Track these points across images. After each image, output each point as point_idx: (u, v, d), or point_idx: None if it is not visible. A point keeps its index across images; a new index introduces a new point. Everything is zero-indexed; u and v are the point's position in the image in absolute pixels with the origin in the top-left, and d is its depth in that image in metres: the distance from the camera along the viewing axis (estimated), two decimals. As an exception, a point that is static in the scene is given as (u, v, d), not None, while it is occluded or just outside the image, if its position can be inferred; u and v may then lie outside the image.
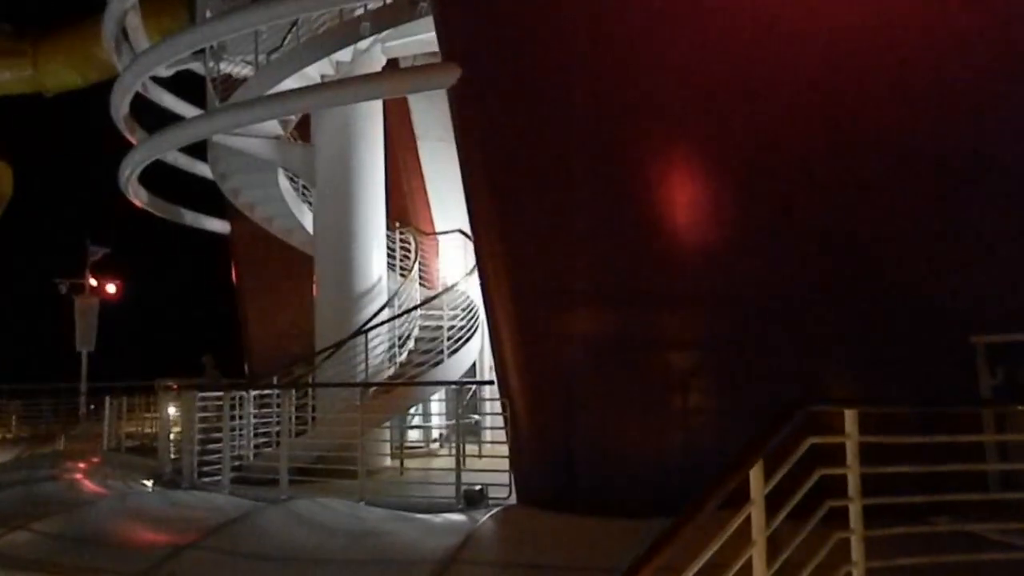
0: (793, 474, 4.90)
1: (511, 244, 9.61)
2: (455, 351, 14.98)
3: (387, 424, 13.98)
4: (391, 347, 14.78)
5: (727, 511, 4.69)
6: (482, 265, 10.30)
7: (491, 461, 11.27)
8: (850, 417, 5.24)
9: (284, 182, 15.94)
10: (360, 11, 12.71)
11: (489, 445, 14.07)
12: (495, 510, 9.27)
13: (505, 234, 9.66)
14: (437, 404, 17.55)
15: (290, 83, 13.14)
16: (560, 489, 8.88)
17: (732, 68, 8.01)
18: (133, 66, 14.49)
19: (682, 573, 4.54)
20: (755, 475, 4.79)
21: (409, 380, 14.27)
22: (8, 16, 22.37)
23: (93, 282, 33.16)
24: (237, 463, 12.14)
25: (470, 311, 15.65)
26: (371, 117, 14.77)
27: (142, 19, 16.23)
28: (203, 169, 17.82)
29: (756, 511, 4.81)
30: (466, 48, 9.61)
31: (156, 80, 16.79)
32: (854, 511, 5.15)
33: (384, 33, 13.26)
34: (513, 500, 9.76)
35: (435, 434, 17.21)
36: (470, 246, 16.92)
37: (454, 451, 10.55)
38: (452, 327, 15.24)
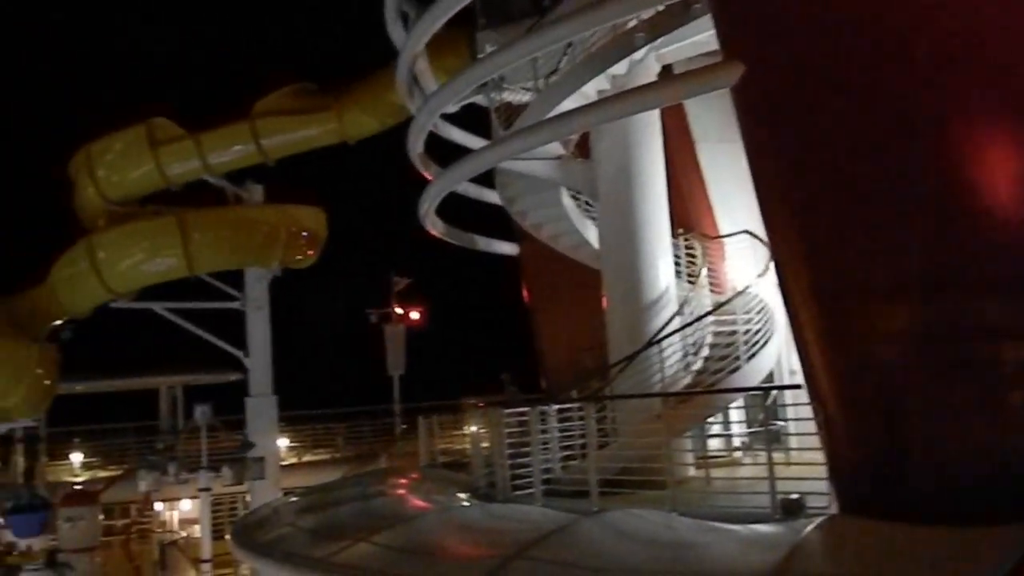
0: None
1: (810, 241, 9.17)
2: (752, 356, 14.52)
3: (688, 434, 13.81)
4: (685, 356, 14.60)
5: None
6: (779, 265, 9.90)
7: (802, 469, 10.77)
8: None
9: (567, 200, 16.32)
10: (633, 22, 12.73)
11: (796, 452, 13.45)
12: (817, 520, 8.84)
13: (803, 231, 9.23)
14: (736, 412, 17.07)
15: (569, 103, 13.43)
16: (889, 497, 8.29)
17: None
18: (426, 107, 15.49)
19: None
20: None
21: (709, 388, 14.00)
22: (311, 77, 24.85)
23: (399, 310, 35.86)
24: (546, 476, 12.47)
25: (765, 314, 15.12)
26: (649, 126, 14.75)
27: (429, 62, 17.33)
28: (491, 196, 18.68)
29: None
30: (749, 44, 9.32)
31: (443, 116, 17.82)
32: None
33: (658, 41, 13.21)
34: (834, 510, 9.25)
35: (736, 442, 16.74)
36: (759, 247, 16.42)
37: (758, 459, 10.18)
38: (747, 332, 14.79)
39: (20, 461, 31.08)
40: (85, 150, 24.55)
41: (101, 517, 28.15)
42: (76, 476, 33.06)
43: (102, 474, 32.57)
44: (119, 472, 30.84)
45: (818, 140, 8.81)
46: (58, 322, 24.88)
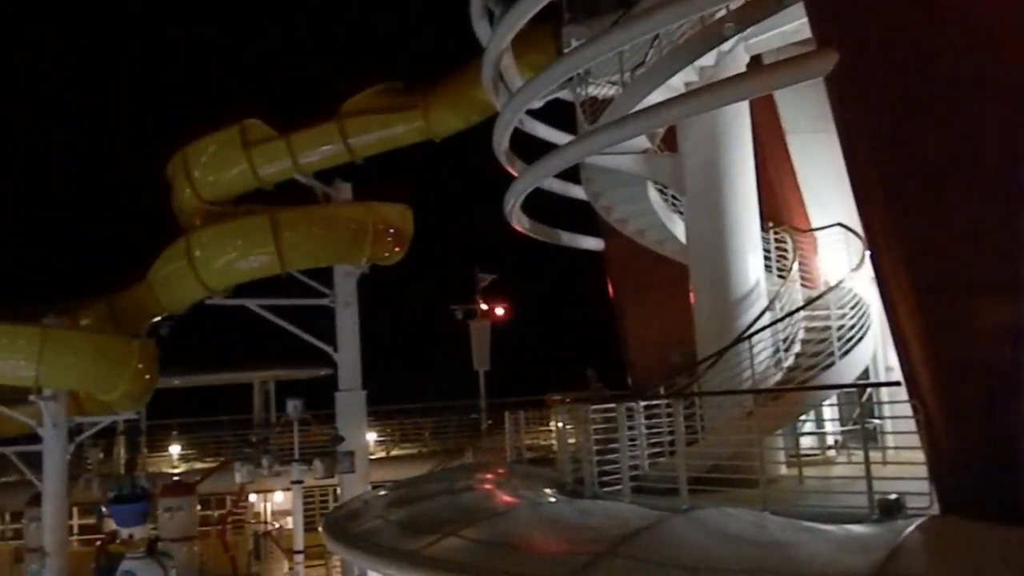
0: None
1: (910, 234, 8.88)
2: (847, 352, 14.16)
3: (779, 431, 13.53)
4: (776, 352, 14.32)
5: None
6: (877, 259, 9.62)
7: (900, 468, 10.45)
8: None
9: (654, 194, 16.17)
10: (722, 12, 12.52)
11: (893, 451, 13.06)
12: (918, 522, 8.56)
13: (902, 224, 8.94)
14: (829, 409, 16.68)
15: (655, 96, 13.29)
16: (995, 498, 7.98)
17: None
18: (511, 103, 15.53)
19: None
20: None
21: (801, 385, 13.70)
22: (397, 76, 25.15)
23: (484, 306, 36.08)
24: (634, 473, 12.39)
25: (860, 309, 14.72)
26: (737, 118, 14.51)
27: (514, 58, 17.35)
28: (577, 191, 18.62)
29: None
30: (845, 31, 9.07)
31: (528, 112, 17.83)
32: None
33: (747, 31, 12.96)
34: (935, 511, 8.95)
35: (830, 440, 16.34)
36: (853, 240, 16.00)
37: (853, 458, 9.90)
38: (841, 327, 14.42)
39: (122, 452, 32.40)
40: (182, 152, 25.33)
41: (198, 508, 29.16)
42: (174, 467, 34.27)
43: (199, 466, 33.71)
44: (215, 464, 31.84)
45: (917, 129, 8.53)
46: (157, 319, 25.79)
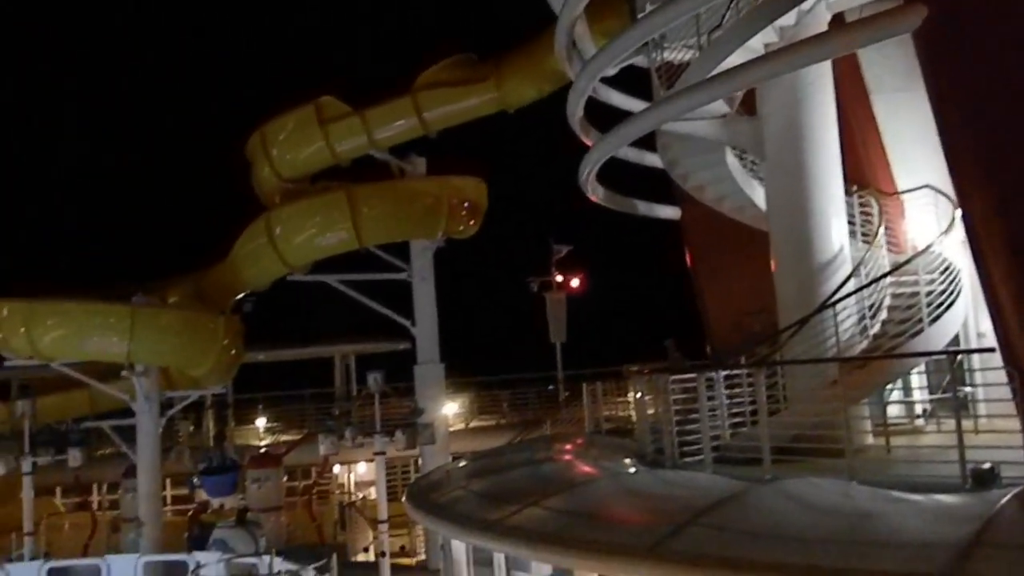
0: None
1: (1005, 195, 8.52)
2: (936, 318, 13.73)
3: (865, 400, 13.22)
4: (862, 319, 13.95)
5: None
6: (969, 221, 9.28)
7: (993, 437, 10.12)
8: None
9: (732, 160, 15.84)
10: (801, -30, 12.13)
11: (985, 420, 12.65)
12: (1014, 491, 8.27)
13: (996, 184, 8.58)
14: (917, 377, 16.21)
15: (734, 59, 12.95)
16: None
17: None
18: (585, 71, 15.35)
19: None
20: None
21: (888, 353, 13.34)
22: (470, 47, 25.10)
23: (559, 278, 36.05)
24: (715, 443, 12.26)
25: (950, 274, 14.24)
26: (820, 78, 14.05)
27: (587, 25, 17.13)
28: (652, 159, 18.37)
29: None
30: (933, -17, 8.69)
31: (602, 79, 17.61)
32: None
33: (828, -12, 12.56)
34: (1032, 480, 8.64)
35: (918, 409, 15.90)
36: (943, 202, 15.46)
37: (943, 427, 9.62)
38: (930, 293, 13.97)
39: (211, 426, 33.44)
40: (260, 131, 25.77)
41: (284, 479, 29.96)
42: (260, 440, 35.24)
43: (283, 438, 34.60)
44: (299, 437, 32.64)
45: (1013, 84, 8.14)
46: (241, 296, 26.43)
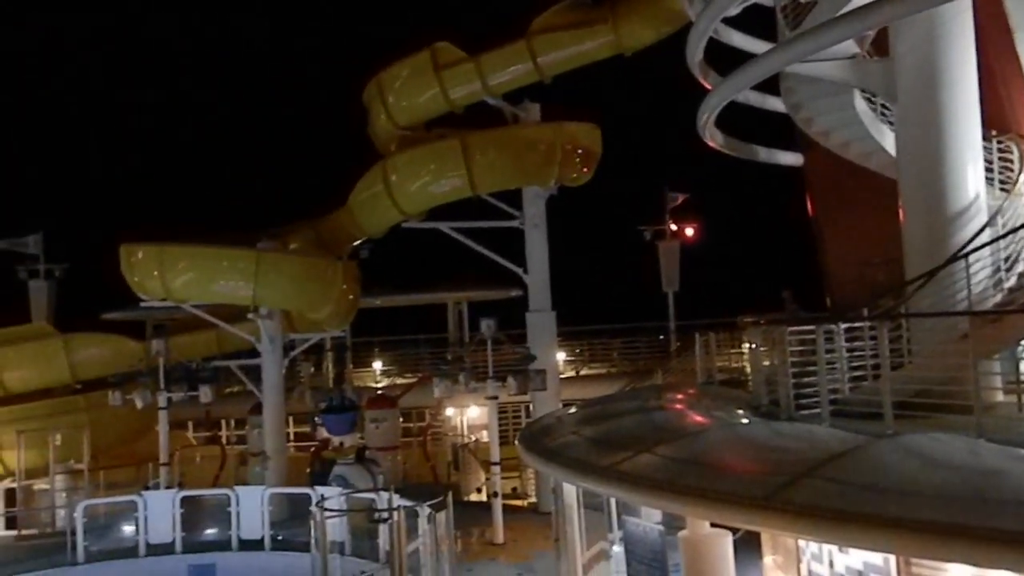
0: None
1: None
2: (1079, 272, 12.94)
3: (996, 357, 12.61)
4: (996, 271, 13.26)
5: None
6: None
7: None
8: None
9: (861, 103, 15.17)
10: None
11: None
12: None
13: None
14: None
15: (865, -4, 12.32)
16: None
17: None
18: (706, 11, 14.87)
19: None
20: None
21: (1024, 306, 12.66)
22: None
23: (673, 227, 35.53)
24: (833, 396, 11.94)
25: (1097, 224, 13.37)
26: (958, 15, 13.21)
27: (711, -38, 16.58)
28: (774, 103, 17.76)
29: None
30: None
31: (724, 20, 17.06)
32: None
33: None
34: None
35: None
36: (1096, 148, 14.48)
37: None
38: (1074, 244, 13.17)
39: (330, 367, 34.65)
40: (376, 79, 26.07)
41: (400, 420, 30.86)
42: (377, 382, 36.33)
43: (399, 381, 35.56)
44: (414, 380, 33.46)
45: None
46: (358, 242, 27.09)
